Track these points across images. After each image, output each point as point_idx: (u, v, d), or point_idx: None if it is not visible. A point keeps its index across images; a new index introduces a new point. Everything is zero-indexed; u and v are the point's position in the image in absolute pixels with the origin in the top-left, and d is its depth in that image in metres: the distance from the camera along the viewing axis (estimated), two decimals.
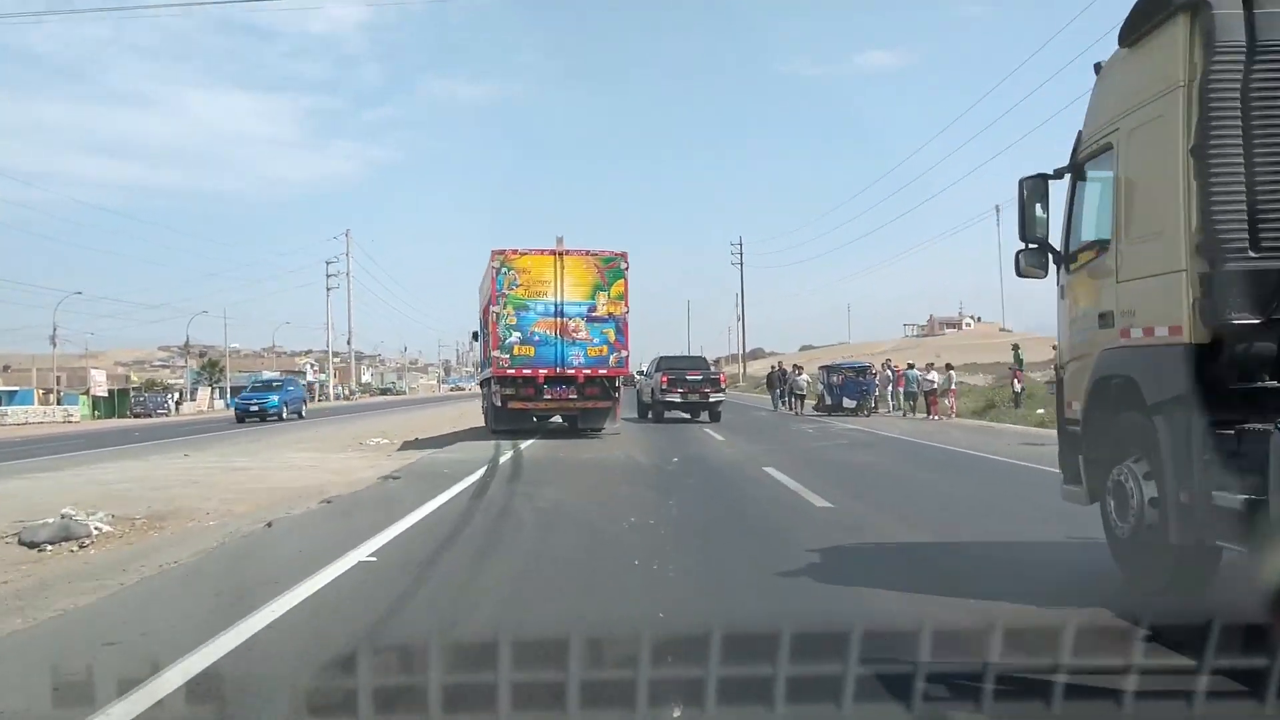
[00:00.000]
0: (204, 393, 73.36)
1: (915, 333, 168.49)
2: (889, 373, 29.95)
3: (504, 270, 18.39)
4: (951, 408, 26.22)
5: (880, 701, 3.03)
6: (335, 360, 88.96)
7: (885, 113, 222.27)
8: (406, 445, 19.09)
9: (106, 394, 61.43)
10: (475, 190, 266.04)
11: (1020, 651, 3.34)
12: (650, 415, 25.64)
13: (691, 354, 29.57)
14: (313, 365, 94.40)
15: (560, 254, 18.55)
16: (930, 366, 27.96)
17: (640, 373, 29.41)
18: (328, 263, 76.84)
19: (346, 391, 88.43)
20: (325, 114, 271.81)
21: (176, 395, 70.21)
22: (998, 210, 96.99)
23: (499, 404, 18.60)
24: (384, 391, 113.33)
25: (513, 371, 18.33)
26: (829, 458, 14.82)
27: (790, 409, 32.57)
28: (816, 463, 13.75)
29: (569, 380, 18.51)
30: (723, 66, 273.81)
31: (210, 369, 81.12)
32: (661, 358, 27.12)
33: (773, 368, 35.26)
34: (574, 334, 18.42)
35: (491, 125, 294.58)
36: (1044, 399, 26.68)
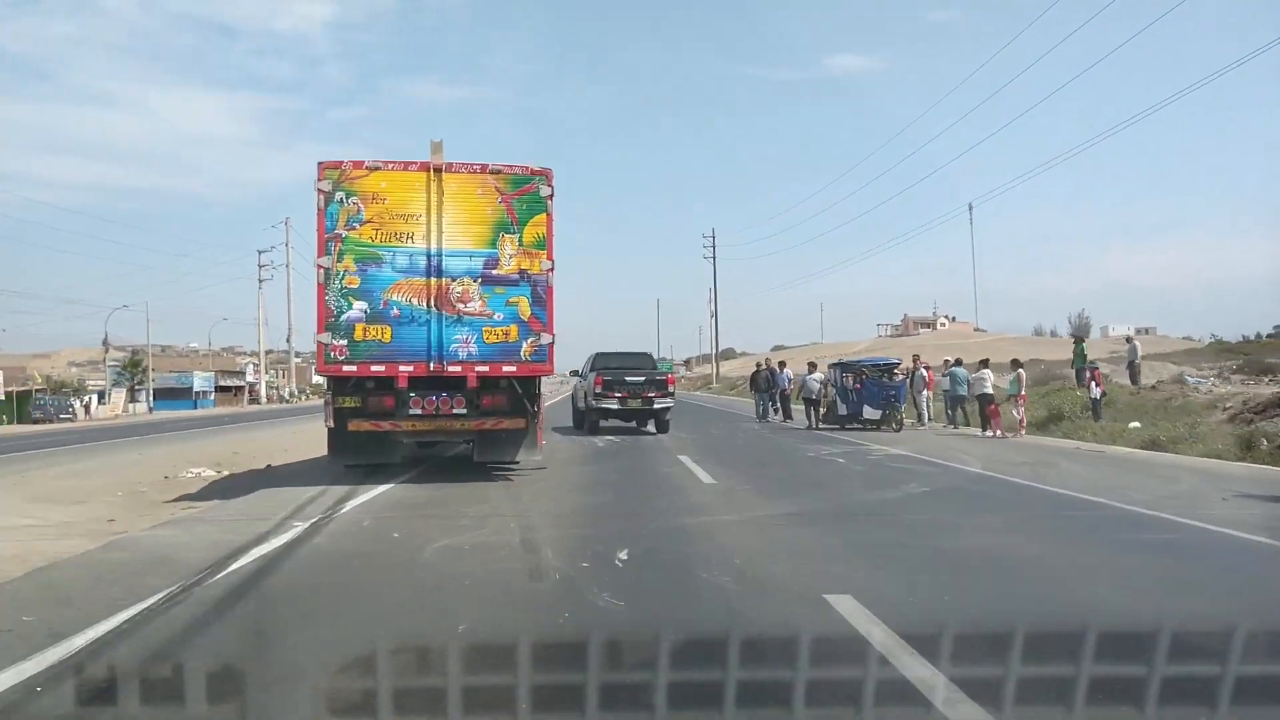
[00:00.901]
0: (119, 395, 65.29)
1: (890, 332, 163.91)
2: (922, 372, 22.57)
3: (340, 195, 10.76)
4: (1021, 421, 18.89)
5: None
6: (269, 357, 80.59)
7: (857, 111, 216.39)
8: (209, 488, 11.60)
9: (3, 396, 52.95)
10: None
11: None
12: (586, 427, 20.72)
13: (637, 350, 22.46)
14: (254, 365, 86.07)
15: (438, 170, 10.95)
16: (985, 364, 20.61)
17: (575, 372, 24.76)
18: (260, 252, 67.95)
19: (288, 393, 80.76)
20: (290, 114, 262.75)
21: (89, 398, 62.18)
22: (970, 208, 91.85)
23: (334, 424, 10.97)
24: None
25: (353, 368, 10.72)
26: (928, 538, 7.31)
27: (783, 417, 25.41)
28: (916, 553, 6.52)
29: (452, 384, 10.97)
30: (693, 69, 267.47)
31: (133, 369, 72.75)
32: (598, 354, 21.52)
33: (759, 365, 27.78)
34: (460, 305, 10.87)
35: (462, 127, 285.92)
36: (1133, 408, 19.47)
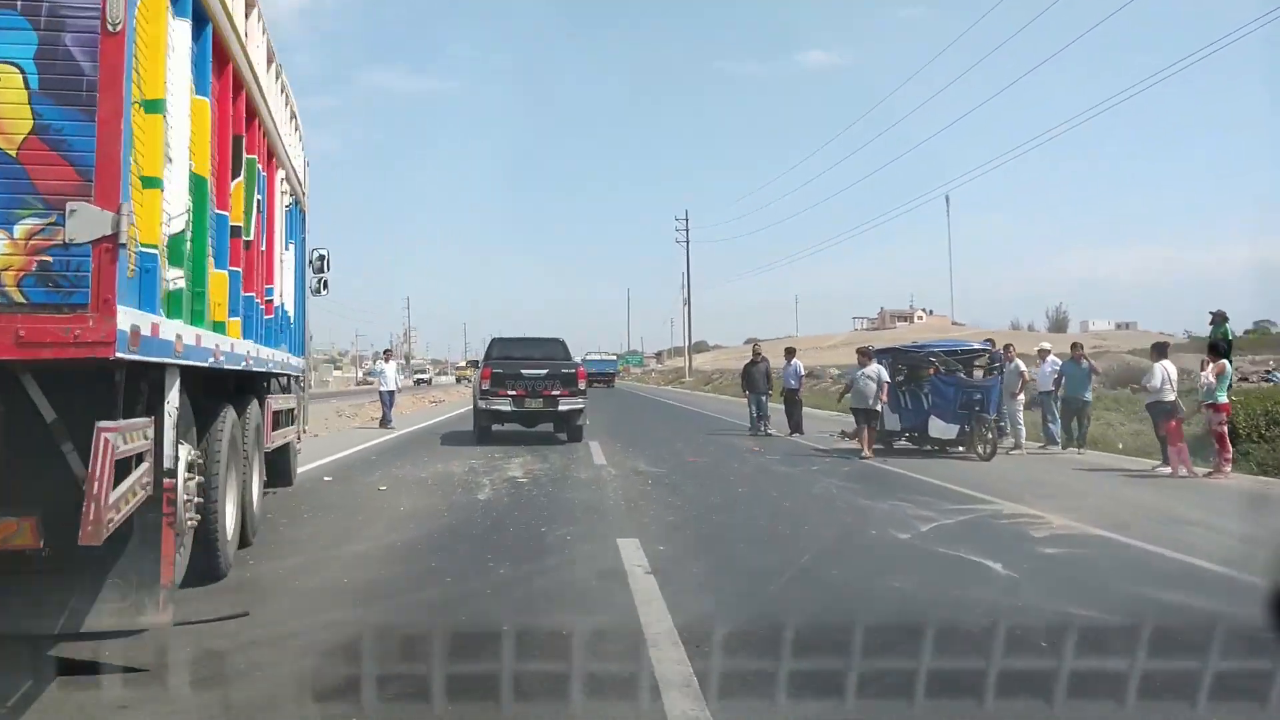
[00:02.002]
0: None
1: (866, 326, 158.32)
2: (1017, 364, 14.62)
3: None
4: (1224, 451, 10.91)
5: None
6: None
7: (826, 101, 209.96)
8: None
9: None
10: (415, 182, 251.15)
11: None
12: (476, 435, 16.13)
13: (545, 336, 17.51)
14: None
15: None
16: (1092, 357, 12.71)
17: (474, 363, 23.12)
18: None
19: None
20: None
21: None
22: (947, 200, 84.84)
23: None
24: None
25: None
26: None
27: (791, 430, 17.74)
28: None
29: None
30: (664, 63, 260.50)
31: None
32: (495, 340, 17.30)
33: (756, 355, 19.51)
34: None
35: (431, 117, 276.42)
36: None
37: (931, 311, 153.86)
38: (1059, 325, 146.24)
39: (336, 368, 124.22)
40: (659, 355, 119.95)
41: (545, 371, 15.28)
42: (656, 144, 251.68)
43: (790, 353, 19.46)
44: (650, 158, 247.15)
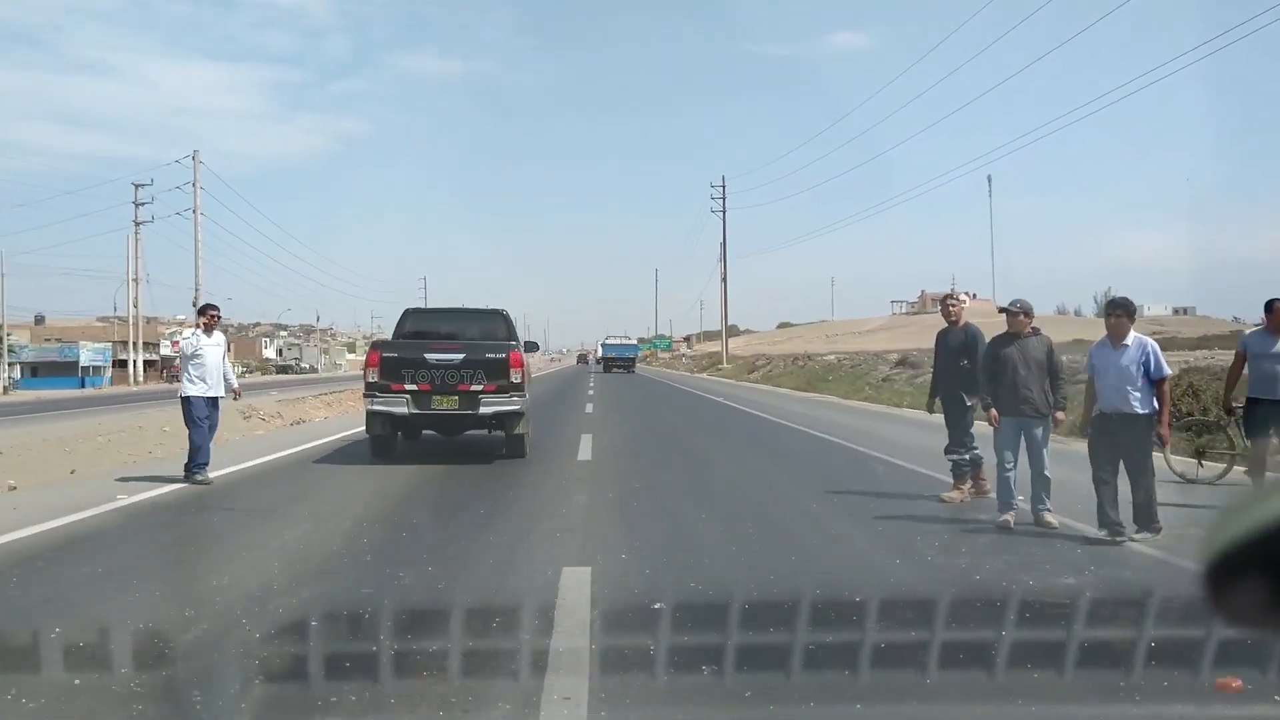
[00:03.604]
0: None
1: (906, 310, 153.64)
2: None
3: None
4: None
5: None
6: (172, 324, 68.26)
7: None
8: None
9: None
10: (438, 164, 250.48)
11: None
12: (373, 450, 11.39)
13: (478, 307, 12.93)
14: (177, 334, 72.48)
15: None
16: None
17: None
18: (138, 186, 53.02)
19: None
20: (291, 86, 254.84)
21: None
22: (989, 180, 79.66)
23: None
24: (283, 370, 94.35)
25: None
26: None
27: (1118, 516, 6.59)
28: None
29: None
30: (693, 42, 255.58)
31: None
32: (409, 311, 12.73)
33: (952, 300, 9.33)
34: None
35: (460, 98, 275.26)
36: None
37: (975, 295, 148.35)
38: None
39: (350, 351, 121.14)
40: (688, 339, 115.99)
41: (460, 357, 10.67)
42: (687, 119, 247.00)
43: None
44: (680, 135, 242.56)
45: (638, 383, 41.59)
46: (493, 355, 10.78)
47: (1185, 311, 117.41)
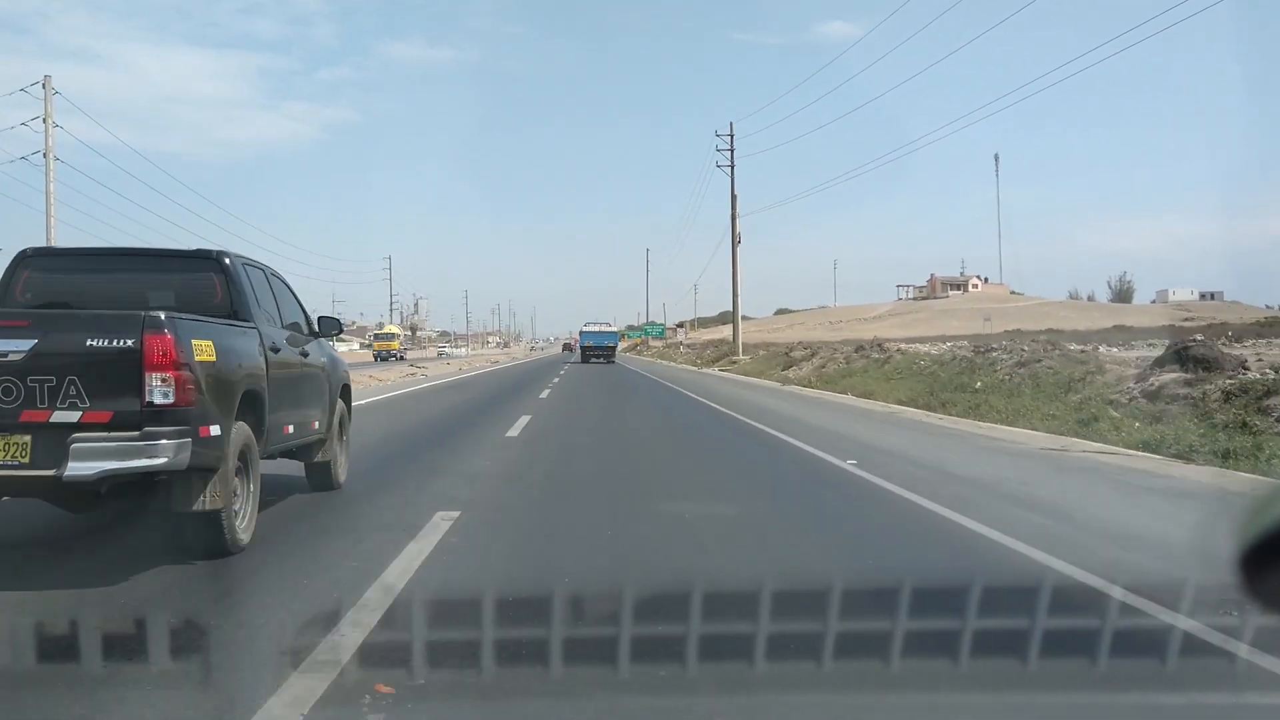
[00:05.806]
0: None
1: (912, 295, 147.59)
2: None
3: None
4: None
5: None
6: None
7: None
8: None
9: None
10: (427, 152, 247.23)
11: None
12: None
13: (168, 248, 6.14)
14: None
15: None
16: None
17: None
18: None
19: None
20: (278, 73, 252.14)
21: None
22: (996, 159, 72.92)
23: None
24: None
25: None
26: None
27: None
28: None
29: None
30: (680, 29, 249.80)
31: None
32: (24, 255, 5.93)
33: None
34: None
35: (449, 87, 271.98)
36: None
37: (987, 279, 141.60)
38: (1123, 296, 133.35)
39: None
40: (681, 325, 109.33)
41: (24, 347, 4.49)
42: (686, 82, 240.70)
43: None
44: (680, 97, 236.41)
45: (614, 384, 28.00)
46: (102, 343, 4.73)
47: (1213, 296, 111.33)
